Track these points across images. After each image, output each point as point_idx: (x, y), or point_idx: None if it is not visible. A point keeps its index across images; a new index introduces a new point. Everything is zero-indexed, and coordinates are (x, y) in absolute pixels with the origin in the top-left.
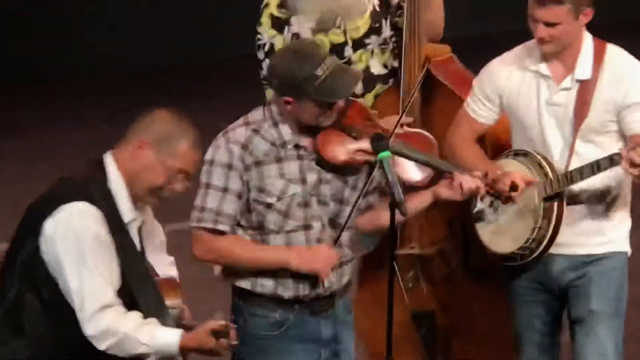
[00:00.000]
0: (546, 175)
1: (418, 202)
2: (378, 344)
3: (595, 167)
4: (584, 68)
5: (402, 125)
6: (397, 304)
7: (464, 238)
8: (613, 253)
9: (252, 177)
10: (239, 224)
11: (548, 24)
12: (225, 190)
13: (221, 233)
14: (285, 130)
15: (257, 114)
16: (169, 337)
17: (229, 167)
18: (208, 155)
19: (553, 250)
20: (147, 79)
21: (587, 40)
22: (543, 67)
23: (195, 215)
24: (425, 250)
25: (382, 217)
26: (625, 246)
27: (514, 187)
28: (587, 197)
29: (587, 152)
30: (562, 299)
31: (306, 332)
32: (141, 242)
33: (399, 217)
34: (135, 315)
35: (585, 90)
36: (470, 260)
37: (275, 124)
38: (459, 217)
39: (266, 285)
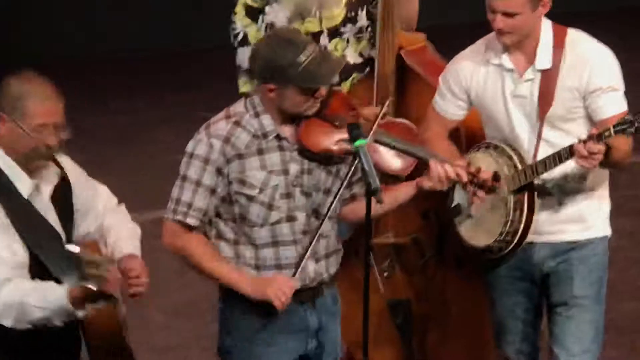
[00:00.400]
0: (515, 167)
1: (401, 193)
2: (353, 332)
3: (557, 158)
4: (543, 57)
5: (384, 116)
6: (373, 293)
7: (438, 228)
8: (595, 239)
9: (233, 170)
10: (218, 216)
11: (506, 14)
12: (198, 184)
13: (190, 228)
14: (267, 121)
15: (238, 106)
16: (57, 292)
17: (206, 161)
18: (189, 148)
19: (534, 238)
20: (123, 66)
21: (546, 28)
22: (505, 60)
23: (171, 207)
24: (400, 240)
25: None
26: (606, 230)
27: (496, 176)
28: (564, 184)
29: (555, 139)
30: (542, 285)
31: (293, 322)
32: (59, 204)
33: (379, 207)
34: (27, 283)
35: (548, 79)
36: (445, 249)
37: (257, 115)
38: (433, 208)
39: (249, 274)
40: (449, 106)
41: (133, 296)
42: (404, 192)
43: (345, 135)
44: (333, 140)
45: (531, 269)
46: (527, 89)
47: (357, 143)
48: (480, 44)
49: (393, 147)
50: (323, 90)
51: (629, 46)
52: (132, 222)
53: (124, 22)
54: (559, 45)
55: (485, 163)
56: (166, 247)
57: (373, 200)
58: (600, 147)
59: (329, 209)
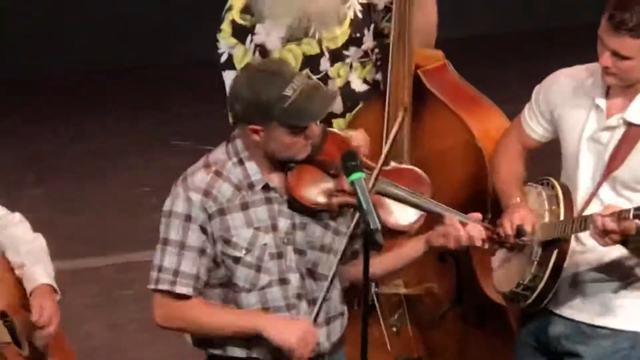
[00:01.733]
0: (558, 216)
1: (409, 250)
2: None
3: (582, 224)
4: (637, 110)
5: (386, 159)
6: (379, 350)
7: (457, 276)
8: (619, 331)
9: (215, 228)
10: (206, 283)
11: (616, 55)
12: (182, 246)
13: (183, 297)
14: (253, 169)
15: (219, 153)
16: None
17: (188, 219)
18: (166, 206)
19: (553, 307)
20: (93, 82)
21: None
22: (600, 97)
23: (153, 276)
24: (412, 290)
25: (374, 264)
26: (636, 324)
27: (520, 232)
28: (604, 258)
29: (611, 202)
30: None
31: None
32: None
33: (382, 265)
34: None
35: (631, 136)
36: (465, 301)
37: (241, 162)
38: (452, 251)
39: (238, 350)
40: (533, 121)
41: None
42: (412, 248)
43: (345, 185)
44: (328, 191)
45: (547, 343)
46: (606, 136)
47: (353, 177)
48: (583, 68)
49: (400, 200)
50: (315, 129)
51: None
52: (32, 232)
53: (90, 39)
54: None
55: (532, 202)
56: (160, 325)
57: (375, 255)
58: (614, 227)
59: (334, 272)
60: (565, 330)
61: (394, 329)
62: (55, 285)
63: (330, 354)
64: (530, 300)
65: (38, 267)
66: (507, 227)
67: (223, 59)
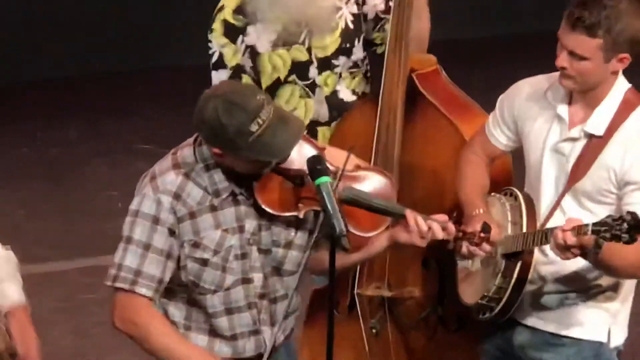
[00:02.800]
0: (521, 228)
1: (373, 247)
2: None
3: (543, 237)
4: (597, 121)
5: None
6: (358, 353)
7: (439, 281)
8: (583, 340)
9: (185, 231)
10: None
11: (573, 54)
12: (147, 247)
13: (142, 298)
14: (219, 177)
15: (187, 153)
16: None
17: (155, 221)
18: (133, 205)
19: (518, 317)
20: (52, 92)
21: (617, 90)
22: (562, 107)
23: (112, 273)
24: (394, 293)
25: (337, 260)
26: (602, 335)
27: (485, 228)
28: (569, 271)
29: (574, 215)
30: None
31: None
32: None
33: (346, 258)
34: None
35: (592, 147)
36: (446, 306)
37: (207, 168)
38: (435, 255)
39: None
40: (497, 130)
41: None
42: (376, 246)
43: (310, 193)
44: (295, 200)
45: (512, 352)
46: (568, 147)
47: (320, 180)
48: (545, 77)
49: (363, 207)
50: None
51: None
52: (1, 248)
53: (55, 42)
54: (623, 113)
55: (495, 213)
56: (116, 326)
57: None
58: (574, 241)
59: (299, 265)
60: (530, 339)
61: (374, 331)
62: (27, 304)
63: (284, 343)
64: (495, 312)
65: (12, 285)
66: (473, 224)
67: (214, 58)
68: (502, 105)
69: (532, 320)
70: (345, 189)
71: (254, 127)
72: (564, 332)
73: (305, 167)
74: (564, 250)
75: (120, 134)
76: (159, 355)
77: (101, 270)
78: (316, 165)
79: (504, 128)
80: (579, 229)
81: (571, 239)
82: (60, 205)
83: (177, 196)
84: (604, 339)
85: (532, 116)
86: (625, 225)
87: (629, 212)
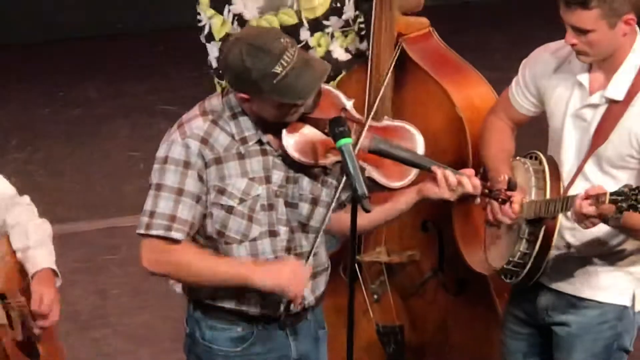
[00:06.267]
0: (544, 193)
1: (401, 203)
2: (337, 358)
3: (565, 204)
4: (617, 86)
5: (377, 116)
6: (361, 317)
7: (439, 242)
8: (605, 304)
9: (211, 177)
10: (197, 234)
11: (577, 30)
12: (180, 192)
13: (176, 242)
14: (246, 124)
15: (215, 102)
16: None
17: (186, 165)
18: (160, 152)
19: (542, 279)
20: (72, 51)
21: (636, 54)
22: (583, 74)
23: (144, 221)
24: (394, 257)
25: (362, 218)
26: (625, 299)
27: (511, 185)
28: (591, 234)
29: (596, 180)
30: (549, 337)
31: (273, 349)
32: None
33: (372, 218)
34: None
35: (613, 112)
36: (446, 269)
37: (235, 116)
38: (434, 217)
39: (227, 302)
40: (520, 96)
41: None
42: (404, 202)
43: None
44: (322, 150)
45: (535, 314)
46: (589, 113)
47: (341, 142)
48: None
49: (392, 157)
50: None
51: None
52: (38, 217)
53: (76, 2)
54: None
55: (520, 178)
56: (148, 271)
57: (361, 210)
58: (592, 210)
59: (321, 227)
60: (553, 301)
61: (375, 297)
62: (57, 270)
63: (313, 309)
64: (521, 277)
65: (41, 251)
66: (499, 180)
67: (205, 31)
68: (524, 71)
69: (556, 284)
70: (373, 138)
71: (277, 69)
72: (587, 296)
73: (332, 115)
74: (583, 219)
75: (142, 94)
76: (203, 279)
77: (122, 231)
78: (337, 127)
79: (527, 93)
80: (598, 198)
81: (589, 209)
82: (81, 165)
83: (204, 141)
84: (627, 303)
85: (553, 83)
86: None
87: None
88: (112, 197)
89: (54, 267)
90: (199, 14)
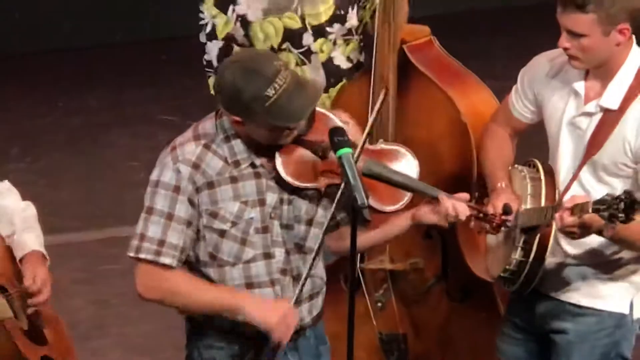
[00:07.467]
0: (539, 201)
1: (395, 227)
2: None
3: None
4: (611, 95)
5: (370, 136)
6: (364, 326)
7: (442, 252)
8: (604, 312)
9: (203, 201)
10: (189, 259)
11: (571, 33)
12: (170, 217)
13: (168, 268)
14: (239, 147)
15: (208, 125)
16: None
17: (176, 190)
18: (153, 176)
19: (540, 287)
20: (72, 60)
21: (631, 63)
22: (578, 82)
23: (134, 244)
24: (397, 265)
25: (358, 239)
26: (623, 306)
27: (506, 210)
28: (590, 245)
29: (591, 188)
30: (547, 344)
31: None
32: None
33: (366, 241)
34: None
35: (608, 121)
36: (450, 277)
37: (227, 139)
38: (438, 227)
39: (225, 321)
40: (519, 103)
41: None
42: (398, 226)
43: (333, 166)
44: (316, 172)
45: (534, 322)
46: (585, 122)
47: (341, 152)
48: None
49: (385, 180)
50: (299, 123)
51: None
52: (21, 200)
53: (76, 11)
54: (637, 86)
55: (517, 186)
56: (142, 296)
57: (360, 230)
58: (571, 221)
59: (320, 244)
60: (552, 309)
61: (379, 305)
62: (45, 252)
63: (311, 327)
64: (517, 285)
65: (29, 235)
66: (494, 205)
67: (207, 29)
68: (522, 79)
69: (554, 292)
70: (367, 162)
71: (270, 92)
72: (586, 304)
73: (327, 139)
74: (565, 230)
75: (143, 104)
76: (194, 307)
77: (122, 241)
78: (337, 136)
79: (525, 102)
80: (580, 208)
81: (568, 220)
82: (82, 175)
83: (195, 166)
84: (626, 311)
85: (550, 91)
86: (622, 204)
87: (625, 191)
88: (112, 207)
89: (43, 250)
90: (202, 12)
